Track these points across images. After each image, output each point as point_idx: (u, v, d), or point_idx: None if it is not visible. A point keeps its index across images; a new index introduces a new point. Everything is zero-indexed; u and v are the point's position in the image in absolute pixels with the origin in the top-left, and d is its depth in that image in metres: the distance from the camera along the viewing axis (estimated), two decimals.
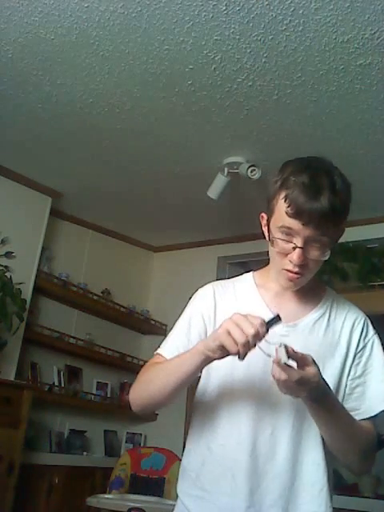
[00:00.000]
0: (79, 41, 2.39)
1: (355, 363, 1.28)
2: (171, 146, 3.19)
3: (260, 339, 1.04)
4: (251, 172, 3.09)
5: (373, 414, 1.26)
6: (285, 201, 1.15)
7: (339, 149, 3.00)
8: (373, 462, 1.30)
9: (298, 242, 1.15)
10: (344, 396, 1.27)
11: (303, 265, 1.18)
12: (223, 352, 1.08)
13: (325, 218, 1.12)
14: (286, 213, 1.14)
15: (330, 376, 1.23)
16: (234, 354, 1.06)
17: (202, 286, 1.40)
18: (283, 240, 1.17)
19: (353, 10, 2.07)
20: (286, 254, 1.18)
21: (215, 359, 1.11)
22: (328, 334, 1.28)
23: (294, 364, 1.05)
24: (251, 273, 1.39)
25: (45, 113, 2.96)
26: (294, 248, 1.16)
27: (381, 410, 1.25)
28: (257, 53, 2.35)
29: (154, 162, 3.41)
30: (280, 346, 1.03)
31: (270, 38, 2.25)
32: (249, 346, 1.04)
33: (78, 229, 4.38)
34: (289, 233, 1.16)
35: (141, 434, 4.41)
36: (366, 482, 3.29)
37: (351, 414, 1.24)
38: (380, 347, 1.32)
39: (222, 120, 2.88)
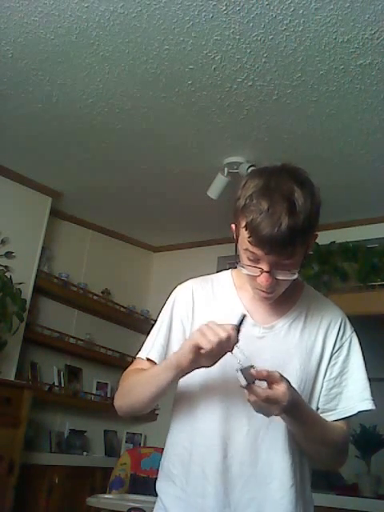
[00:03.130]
0: (79, 41, 2.38)
1: (331, 364, 1.28)
2: (171, 146, 3.19)
3: (232, 343, 1.08)
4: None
5: (350, 415, 1.27)
6: (246, 229, 1.14)
7: (339, 149, 2.99)
8: (346, 458, 1.32)
9: (264, 266, 1.15)
10: (319, 397, 1.28)
11: (273, 285, 1.18)
12: (195, 358, 1.10)
13: (286, 244, 1.11)
14: (249, 241, 1.14)
15: (305, 378, 1.24)
16: (206, 365, 1.10)
17: (182, 282, 1.40)
18: (250, 265, 1.17)
19: (353, 10, 2.07)
20: (256, 276, 1.18)
21: (187, 372, 1.15)
22: (304, 334, 1.28)
23: (262, 384, 1.07)
24: (230, 271, 1.39)
25: (45, 113, 2.96)
26: (262, 272, 1.16)
27: (358, 410, 1.26)
28: (257, 53, 2.35)
29: (153, 162, 3.40)
30: (237, 370, 1.05)
31: (270, 37, 2.25)
32: (222, 346, 1.07)
33: (78, 229, 4.38)
34: (254, 258, 1.16)
35: (141, 434, 4.42)
36: (365, 482, 3.28)
37: (328, 413, 1.26)
38: (358, 346, 1.32)
39: (222, 120, 2.88)
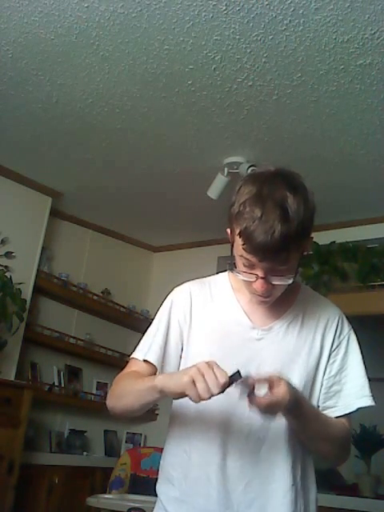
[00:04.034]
0: (79, 41, 2.39)
1: (331, 362, 1.29)
2: (171, 146, 3.19)
3: (222, 392, 1.05)
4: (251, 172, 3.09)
5: (350, 411, 1.28)
6: (240, 237, 1.14)
7: (339, 149, 2.99)
8: (348, 454, 1.33)
9: (259, 272, 1.15)
10: (320, 395, 1.29)
11: (268, 290, 1.18)
12: (182, 396, 1.09)
13: (280, 251, 1.11)
14: (243, 249, 1.14)
15: (305, 377, 1.25)
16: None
17: (180, 284, 1.40)
18: (245, 272, 1.17)
19: (353, 10, 2.07)
20: (251, 282, 1.18)
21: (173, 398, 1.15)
22: (302, 335, 1.29)
23: (263, 390, 1.07)
24: (227, 273, 1.39)
25: (45, 113, 2.96)
26: (257, 277, 1.16)
27: (358, 406, 1.27)
28: (257, 53, 2.35)
29: (153, 162, 3.41)
30: (235, 385, 1.05)
31: (270, 38, 2.25)
32: (210, 398, 1.05)
33: (78, 229, 4.38)
34: (249, 264, 1.16)
35: (141, 434, 4.42)
36: (365, 482, 3.28)
37: (328, 410, 1.27)
38: (356, 343, 1.33)
39: (222, 120, 2.88)
